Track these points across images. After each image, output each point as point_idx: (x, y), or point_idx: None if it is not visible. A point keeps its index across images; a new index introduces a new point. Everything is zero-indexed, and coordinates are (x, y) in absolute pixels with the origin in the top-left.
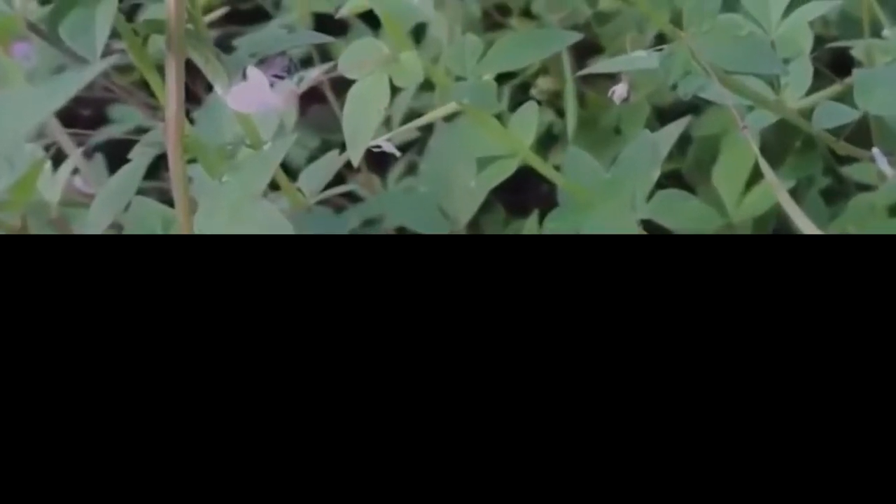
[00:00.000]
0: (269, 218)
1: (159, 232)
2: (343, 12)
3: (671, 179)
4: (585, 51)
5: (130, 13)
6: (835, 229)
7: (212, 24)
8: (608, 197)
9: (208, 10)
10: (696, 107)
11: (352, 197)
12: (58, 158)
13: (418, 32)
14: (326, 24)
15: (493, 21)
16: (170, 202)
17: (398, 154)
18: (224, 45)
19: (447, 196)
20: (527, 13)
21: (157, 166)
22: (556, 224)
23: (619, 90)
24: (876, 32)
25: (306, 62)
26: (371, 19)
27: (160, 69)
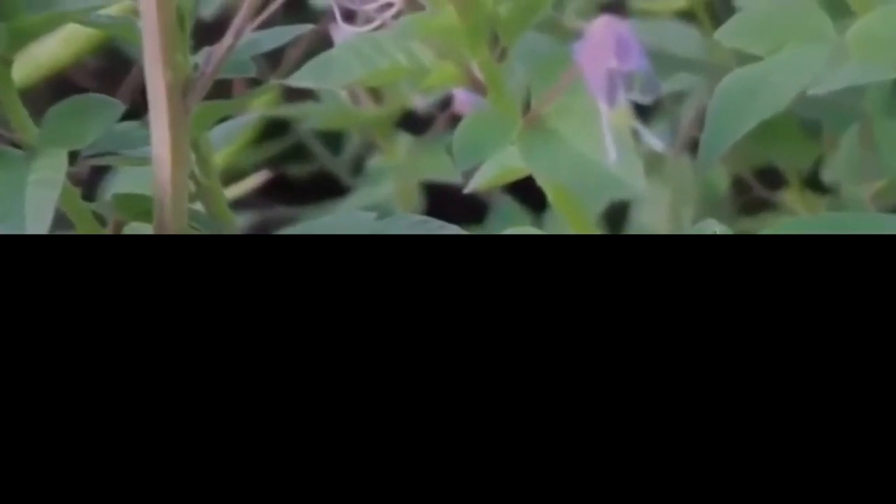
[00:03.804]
0: None
1: None
2: (476, 183)
3: None
4: None
5: (91, 183)
6: None
7: (240, 203)
8: None
9: (233, 175)
10: None
11: None
12: None
13: (615, 216)
14: (447, 202)
15: (750, 197)
16: None
17: None
18: None
19: None
20: (813, 183)
21: None
22: None
23: None
24: None
25: None
26: (528, 194)
27: None
